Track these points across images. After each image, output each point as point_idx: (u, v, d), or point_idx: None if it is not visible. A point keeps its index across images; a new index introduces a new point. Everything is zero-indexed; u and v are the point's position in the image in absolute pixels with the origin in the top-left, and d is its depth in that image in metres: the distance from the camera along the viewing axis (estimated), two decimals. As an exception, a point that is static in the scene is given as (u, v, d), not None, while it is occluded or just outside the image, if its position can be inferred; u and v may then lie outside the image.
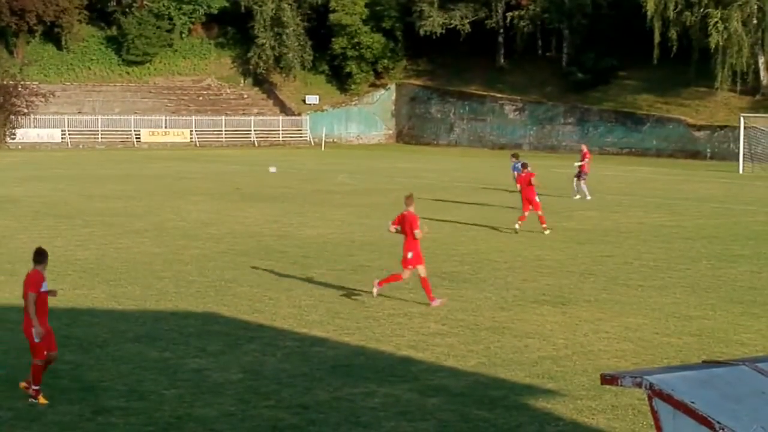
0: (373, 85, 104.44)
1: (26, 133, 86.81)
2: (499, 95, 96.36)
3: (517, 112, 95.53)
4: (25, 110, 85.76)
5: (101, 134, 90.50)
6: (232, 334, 19.04)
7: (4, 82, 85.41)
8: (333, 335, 18.87)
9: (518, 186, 36.69)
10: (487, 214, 38.59)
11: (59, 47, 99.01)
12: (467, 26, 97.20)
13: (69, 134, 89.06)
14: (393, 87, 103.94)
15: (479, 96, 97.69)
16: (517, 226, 33.44)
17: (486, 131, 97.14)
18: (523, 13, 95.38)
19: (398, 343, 18.21)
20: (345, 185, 49.83)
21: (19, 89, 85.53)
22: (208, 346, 18.04)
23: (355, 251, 29.30)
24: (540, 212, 33.64)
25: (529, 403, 14.73)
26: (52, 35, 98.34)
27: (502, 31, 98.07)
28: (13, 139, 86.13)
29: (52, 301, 21.56)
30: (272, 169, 46.00)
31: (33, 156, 76.03)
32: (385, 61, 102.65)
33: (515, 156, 44.62)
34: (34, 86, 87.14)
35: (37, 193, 45.52)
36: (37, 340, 14.59)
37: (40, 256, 15.00)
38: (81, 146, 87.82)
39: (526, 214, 33.60)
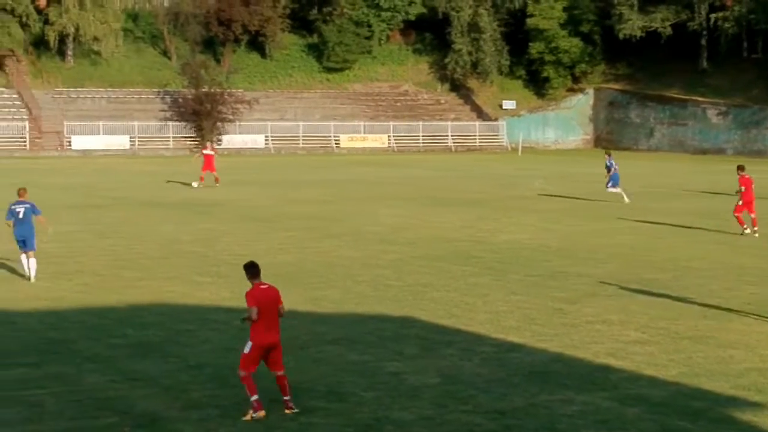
0: (571, 90, 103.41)
1: (231, 139, 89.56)
2: (701, 99, 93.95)
3: (720, 116, 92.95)
4: (231, 117, 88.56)
5: (302, 140, 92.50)
6: (428, 338, 19.19)
7: (212, 90, 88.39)
8: (529, 341, 18.80)
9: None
10: (686, 220, 37.70)
11: (263, 55, 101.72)
12: (668, 29, 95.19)
13: (272, 140, 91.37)
14: (591, 91, 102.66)
15: (680, 100, 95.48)
16: (747, 230, 33.97)
17: (687, 136, 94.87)
18: (727, 14, 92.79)
19: (596, 351, 17.99)
20: (541, 190, 49.49)
21: (225, 97, 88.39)
22: (405, 349, 18.24)
23: (551, 257, 29.08)
24: (754, 215, 34.03)
25: (734, 415, 14.33)
26: (257, 44, 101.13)
27: (705, 33, 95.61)
28: (220, 144, 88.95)
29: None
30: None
31: (237, 161, 78.30)
32: (583, 65, 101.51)
33: (608, 153, 47.63)
34: (239, 94, 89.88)
35: (240, 197, 46.88)
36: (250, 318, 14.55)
37: (252, 269, 14.96)
38: (283, 151, 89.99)
39: (753, 216, 34.09)
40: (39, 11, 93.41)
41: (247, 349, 14.46)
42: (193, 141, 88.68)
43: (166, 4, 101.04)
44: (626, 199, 44.53)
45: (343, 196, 48.38)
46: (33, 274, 25.12)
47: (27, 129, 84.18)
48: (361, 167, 71.26)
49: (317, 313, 21.53)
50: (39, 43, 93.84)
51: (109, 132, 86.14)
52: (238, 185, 53.76)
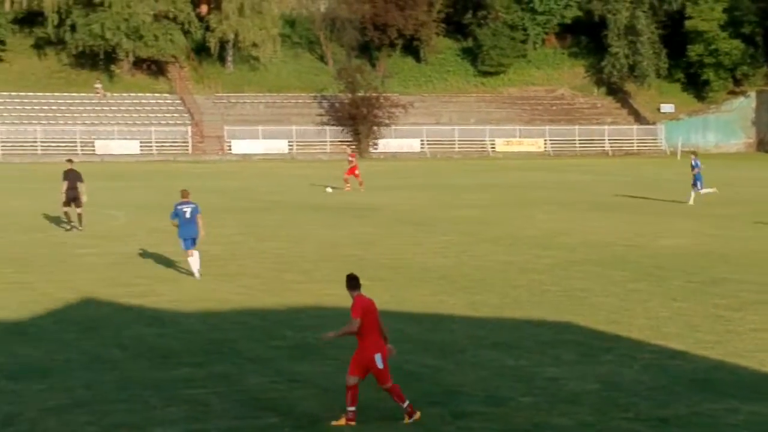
0: (732, 93, 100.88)
1: (387, 143, 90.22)
2: None
3: None
4: (386, 121, 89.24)
5: (458, 144, 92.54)
6: (586, 343, 18.97)
7: (368, 95, 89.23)
8: (691, 348, 18.40)
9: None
10: None
11: (418, 59, 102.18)
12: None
13: (427, 144, 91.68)
14: (753, 94, 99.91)
15: None
16: None
17: None
18: None
19: (762, 359, 17.50)
20: (697, 195, 48.38)
21: (381, 101, 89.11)
22: (563, 355, 18.07)
23: (712, 263, 28.40)
24: None
25: None
26: (412, 48, 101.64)
27: None
28: (376, 149, 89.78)
29: (415, 306, 22.38)
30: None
31: (393, 165, 78.83)
32: (744, 67, 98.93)
33: (694, 153, 49.65)
34: (395, 98, 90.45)
35: (396, 201, 47.14)
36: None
37: (354, 281, 14.64)
38: (438, 156, 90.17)
39: None
40: (200, 18, 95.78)
41: (380, 364, 14.11)
42: (349, 145, 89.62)
43: (322, 9, 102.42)
44: (691, 202, 45.19)
45: (498, 200, 48.20)
46: (197, 269, 26.03)
47: (189, 134, 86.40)
48: (516, 171, 70.90)
49: (475, 317, 21.49)
50: (200, 50, 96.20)
51: (268, 136, 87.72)
52: (394, 189, 54.07)
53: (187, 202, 26.45)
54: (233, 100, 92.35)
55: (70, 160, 38.14)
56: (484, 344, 18.99)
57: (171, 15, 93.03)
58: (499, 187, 56.60)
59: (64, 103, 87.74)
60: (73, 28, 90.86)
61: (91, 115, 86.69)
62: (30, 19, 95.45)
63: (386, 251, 30.88)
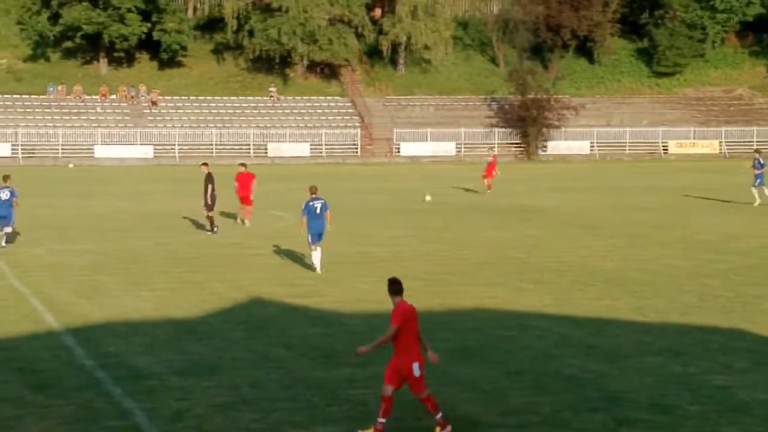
0: None
1: (556, 146, 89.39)
2: None
3: None
4: (556, 123, 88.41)
5: (628, 146, 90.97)
6: (760, 351, 18.38)
7: (538, 96, 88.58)
8: None
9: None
10: None
11: (591, 61, 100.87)
12: None
13: (597, 146, 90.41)
14: None
15: None
16: None
17: None
18: None
19: None
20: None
21: (552, 103, 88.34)
22: (734, 363, 17.54)
23: None
24: None
25: None
26: (585, 49, 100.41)
27: None
28: (545, 151, 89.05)
29: (578, 309, 22.07)
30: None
31: (561, 167, 78.03)
32: None
33: (758, 152, 48.38)
34: (566, 100, 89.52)
35: (564, 204, 46.60)
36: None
37: (397, 285, 14.22)
38: (608, 158, 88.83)
39: None
40: (374, 22, 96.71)
41: (417, 372, 13.85)
42: (518, 147, 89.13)
43: (495, 11, 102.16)
44: (757, 201, 45.17)
45: (670, 203, 47.15)
46: (318, 265, 27.07)
47: (359, 136, 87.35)
48: (690, 174, 69.23)
49: (641, 322, 21.05)
50: (372, 53, 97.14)
51: (436, 139, 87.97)
52: (562, 191, 53.49)
53: (317, 198, 27.48)
54: (403, 103, 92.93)
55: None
56: (650, 350, 18.58)
57: (345, 19, 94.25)
58: (670, 189, 55.32)
59: (239, 106, 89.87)
60: (251, 33, 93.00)
61: (265, 118, 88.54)
62: (210, 26, 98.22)
63: (551, 254, 30.55)
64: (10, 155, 78.22)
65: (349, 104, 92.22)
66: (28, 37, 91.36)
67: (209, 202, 35.12)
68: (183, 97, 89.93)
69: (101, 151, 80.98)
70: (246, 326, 20.89)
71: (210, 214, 35.24)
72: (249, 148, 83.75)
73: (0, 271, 27.30)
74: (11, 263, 28.34)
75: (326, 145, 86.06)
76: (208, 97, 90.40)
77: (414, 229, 37.20)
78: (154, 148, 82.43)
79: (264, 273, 27.21)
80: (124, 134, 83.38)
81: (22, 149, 79.66)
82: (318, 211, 27.28)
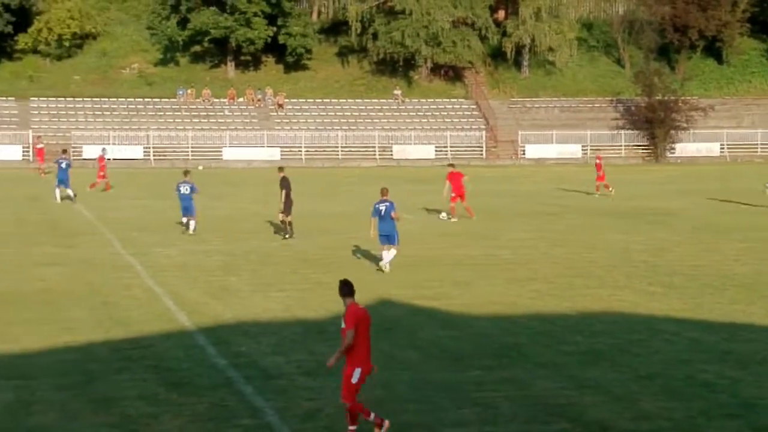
0: None
1: (685, 147, 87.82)
2: None
3: None
4: (684, 125, 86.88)
5: (760, 148, 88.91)
6: None
7: (665, 98, 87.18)
8: None
9: None
10: None
11: (719, 61, 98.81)
12: None
13: (727, 148, 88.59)
14: None
15: None
16: None
17: None
18: None
19: None
20: None
21: (679, 104, 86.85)
22: None
23: None
24: None
25: None
26: (713, 50, 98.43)
27: None
28: (673, 153, 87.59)
29: (710, 314, 21.67)
30: None
31: (690, 170, 76.62)
32: None
33: None
34: (694, 101, 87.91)
35: (692, 207, 45.76)
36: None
37: (347, 287, 13.93)
38: (739, 160, 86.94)
39: None
40: (497, 24, 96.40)
41: (356, 378, 13.72)
42: (645, 150, 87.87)
43: (620, 12, 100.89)
44: None
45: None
46: (387, 264, 27.41)
47: (484, 138, 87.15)
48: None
49: (776, 328, 20.59)
50: (496, 55, 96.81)
51: (562, 141, 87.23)
52: (690, 194, 52.52)
53: (384, 200, 27.91)
54: (528, 105, 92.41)
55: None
56: (789, 356, 18.16)
57: (469, 21, 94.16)
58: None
59: (364, 108, 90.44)
60: (374, 36, 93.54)
61: (390, 120, 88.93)
62: (335, 29, 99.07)
63: (681, 258, 30.05)
64: (142, 157, 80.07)
65: (474, 106, 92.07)
66: (158, 42, 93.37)
67: (285, 206, 34.80)
68: (309, 100, 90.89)
69: (229, 154, 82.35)
70: (374, 328, 20.69)
71: (287, 218, 34.83)
72: (374, 151, 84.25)
73: (135, 271, 27.98)
74: (145, 263, 29.01)
75: (451, 147, 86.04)
76: (333, 100, 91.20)
77: (540, 231, 36.94)
78: (281, 151, 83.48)
79: (391, 275, 27.32)
80: (252, 136, 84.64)
81: (153, 151, 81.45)
82: (383, 213, 27.69)
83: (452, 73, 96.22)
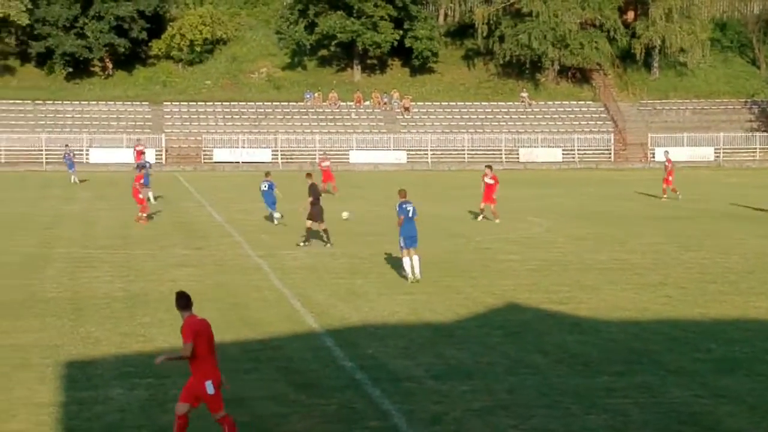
0: None
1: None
2: None
3: None
4: None
5: None
6: None
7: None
8: None
9: None
10: None
11: None
12: None
13: None
14: None
15: None
16: None
17: None
18: None
19: None
20: None
21: None
22: None
23: None
24: None
25: None
26: None
27: None
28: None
29: None
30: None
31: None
32: None
33: None
34: None
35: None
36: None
37: (183, 299, 13.56)
38: None
39: None
40: (626, 25, 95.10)
41: (211, 389, 13.28)
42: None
43: (755, 11, 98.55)
44: None
45: None
46: (417, 271, 26.44)
47: (612, 141, 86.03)
48: None
49: None
50: (625, 57, 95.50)
51: (694, 143, 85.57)
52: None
53: (408, 201, 26.89)
54: (658, 107, 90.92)
55: (309, 174, 36.06)
56: None
57: (597, 22, 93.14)
58: None
59: (490, 111, 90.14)
60: (501, 38, 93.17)
61: (516, 123, 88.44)
62: (461, 32, 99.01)
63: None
64: (270, 160, 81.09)
65: (602, 109, 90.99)
66: (287, 46, 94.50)
67: (314, 213, 33.64)
68: (435, 103, 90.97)
69: (356, 157, 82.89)
70: (502, 332, 20.88)
71: (320, 226, 33.77)
72: (500, 154, 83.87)
73: (263, 272, 28.33)
74: (273, 265, 29.35)
75: (579, 150, 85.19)
76: (459, 103, 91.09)
77: (670, 236, 36.26)
78: (407, 154, 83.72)
79: (518, 279, 27.14)
80: (378, 140, 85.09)
81: (281, 154, 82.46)
82: (411, 214, 26.68)
83: (580, 76, 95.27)
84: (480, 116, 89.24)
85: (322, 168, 55.94)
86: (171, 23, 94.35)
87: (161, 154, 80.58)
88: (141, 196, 41.27)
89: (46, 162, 77.55)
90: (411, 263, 26.63)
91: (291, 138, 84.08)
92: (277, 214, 39.82)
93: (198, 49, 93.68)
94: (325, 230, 33.69)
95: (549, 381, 17.02)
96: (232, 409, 15.50)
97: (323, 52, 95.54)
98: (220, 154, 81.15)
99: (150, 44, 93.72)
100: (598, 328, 21.17)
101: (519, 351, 19.12)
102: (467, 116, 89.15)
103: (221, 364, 18.04)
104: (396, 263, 29.90)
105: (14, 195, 53.28)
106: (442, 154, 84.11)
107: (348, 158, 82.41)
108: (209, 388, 13.25)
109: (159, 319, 21.93)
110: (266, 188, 40.39)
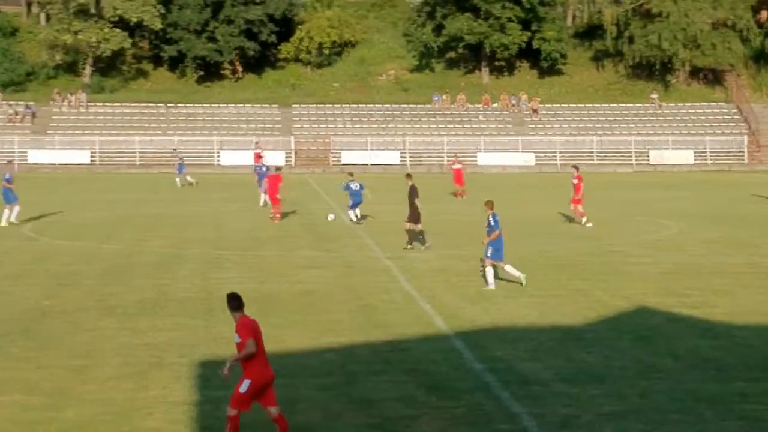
0: None
1: None
2: None
3: None
4: None
5: None
6: None
7: None
8: None
9: None
10: None
11: None
12: None
13: None
14: None
15: None
16: None
17: None
18: None
19: None
20: None
21: None
22: None
23: None
24: None
25: None
26: None
27: None
28: None
29: None
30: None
31: None
32: None
33: None
34: None
35: None
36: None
37: (236, 301, 13.47)
38: None
39: None
40: (760, 25, 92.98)
41: (244, 388, 13.20)
42: None
43: None
44: None
45: None
46: (519, 274, 25.94)
47: (745, 143, 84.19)
48: None
49: None
50: (759, 57, 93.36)
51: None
52: None
53: (496, 213, 26.14)
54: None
55: (409, 176, 35.44)
56: None
57: (729, 23, 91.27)
58: None
59: (619, 113, 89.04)
60: (630, 39, 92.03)
61: (646, 125, 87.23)
62: (589, 33, 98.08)
63: None
64: (398, 163, 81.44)
65: (735, 110, 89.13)
66: (414, 48, 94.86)
67: (414, 215, 33.47)
68: (563, 105, 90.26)
69: (484, 159, 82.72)
70: (632, 335, 20.62)
71: (413, 227, 33.54)
72: (630, 156, 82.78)
73: (392, 274, 28.47)
74: (402, 267, 29.47)
75: (711, 152, 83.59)
76: (587, 105, 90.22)
77: (806, 240, 35.38)
78: (536, 156, 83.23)
79: (649, 282, 26.76)
80: (506, 142, 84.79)
81: (409, 156, 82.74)
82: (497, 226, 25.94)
83: (712, 77, 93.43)
84: (609, 118, 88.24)
85: (453, 170, 56.10)
86: (299, 26, 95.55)
87: (290, 157, 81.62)
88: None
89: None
90: (510, 271, 26.18)
91: (419, 140, 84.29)
92: (351, 213, 40.54)
93: (326, 51, 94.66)
94: (421, 231, 33.72)
95: (681, 386, 16.75)
96: (362, 410, 15.67)
97: (451, 54, 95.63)
98: (348, 156, 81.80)
99: (279, 47, 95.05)
100: (733, 332, 20.75)
101: (650, 355, 18.86)
102: (596, 118, 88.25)
103: (350, 366, 18.29)
104: (523, 266, 29.75)
105: (149, 197, 54.58)
106: (570, 156, 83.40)
107: (476, 160, 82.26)
108: (244, 385, 13.31)
109: (289, 320, 22.22)
110: (357, 188, 40.68)
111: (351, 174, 42.42)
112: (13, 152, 78.60)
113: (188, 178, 62.91)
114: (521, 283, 25.96)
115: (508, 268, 26.20)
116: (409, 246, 33.33)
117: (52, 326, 21.57)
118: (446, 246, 34.17)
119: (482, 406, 15.77)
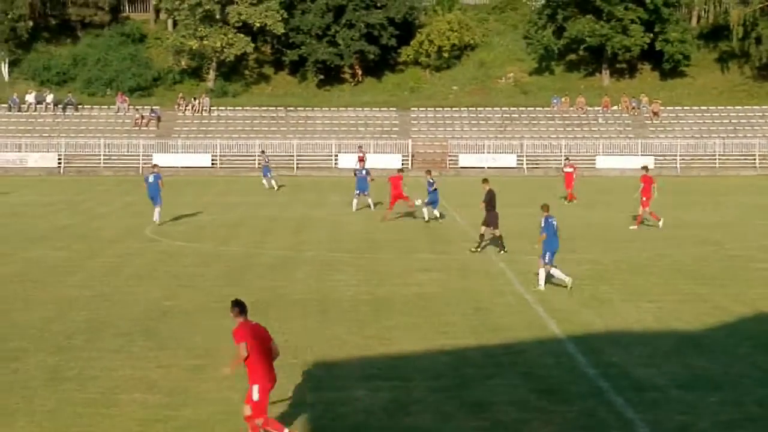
0: None
1: None
2: None
3: None
4: None
5: None
6: None
7: None
8: None
9: None
10: None
11: None
12: None
13: None
14: None
15: None
16: None
17: None
18: None
19: None
20: None
21: None
22: None
23: None
24: None
25: None
26: None
27: None
28: None
29: None
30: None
31: None
32: None
33: None
34: None
35: None
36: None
37: (240, 306, 13.89)
38: None
39: None
40: None
41: (256, 396, 13.51)
42: None
43: None
44: None
45: None
46: (564, 275, 26.02)
47: None
48: None
49: None
50: None
51: None
52: None
53: (552, 216, 26.24)
54: None
55: (486, 180, 35.19)
56: None
57: None
58: None
59: (744, 116, 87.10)
60: (758, 40, 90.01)
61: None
62: (715, 34, 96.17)
63: None
64: (515, 166, 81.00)
65: None
66: (534, 51, 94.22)
67: (489, 219, 33.34)
68: (685, 108, 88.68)
69: (602, 162, 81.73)
70: (752, 342, 20.20)
71: (495, 232, 33.40)
72: (754, 159, 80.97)
73: (506, 278, 28.37)
74: (516, 270, 29.34)
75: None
76: (711, 107, 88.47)
77: None
78: (655, 159, 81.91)
79: (770, 288, 26.19)
80: (625, 145, 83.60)
81: (527, 159, 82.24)
82: (555, 229, 26.05)
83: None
84: (733, 121, 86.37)
85: (565, 173, 55.53)
86: (420, 30, 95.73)
87: (408, 160, 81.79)
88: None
89: (297, 167, 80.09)
90: (559, 273, 26.22)
91: (537, 143, 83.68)
92: (426, 211, 41.80)
93: (446, 54, 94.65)
94: (500, 236, 33.50)
95: (801, 395, 16.38)
96: (474, 413, 15.66)
97: (571, 56, 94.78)
98: (466, 160, 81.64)
99: (399, 51, 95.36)
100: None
101: (770, 363, 18.48)
102: (719, 121, 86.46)
103: (463, 369, 18.29)
104: (640, 270, 29.39)
105: (266, 199, 55.27)
106: (691, 159, 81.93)
107: (594, 163, 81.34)
108: (254, 392, 13.74)
109: (403, 322, 22.31)
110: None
111: (429, 172, 44.17)
112: (138, 155, 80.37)
113: (273, 182, 63.27)
114: (567, 287, 25.97)
115: (554, 271, 26.36)
116: (477, 249, 33.38)
117: (172, 326, 22.03)
118: (561, 250, 33.88)
119: (595, 412, 15.63)
